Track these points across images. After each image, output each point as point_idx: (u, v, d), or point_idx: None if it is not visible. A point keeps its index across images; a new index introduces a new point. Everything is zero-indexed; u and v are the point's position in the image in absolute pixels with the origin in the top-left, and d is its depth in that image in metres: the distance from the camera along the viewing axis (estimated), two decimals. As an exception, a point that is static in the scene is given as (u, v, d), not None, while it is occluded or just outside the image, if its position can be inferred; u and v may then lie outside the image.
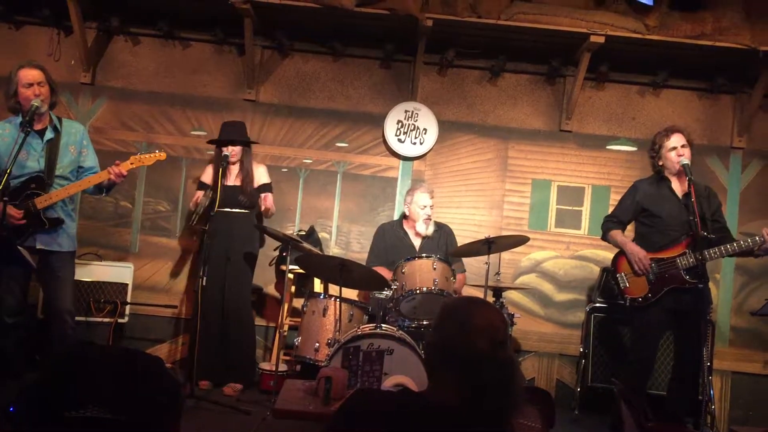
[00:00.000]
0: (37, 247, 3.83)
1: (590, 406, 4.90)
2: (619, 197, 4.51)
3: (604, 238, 4.36)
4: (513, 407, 1.62)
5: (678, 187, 4.17)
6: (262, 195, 4.81)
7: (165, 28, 5.35)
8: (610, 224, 4.31)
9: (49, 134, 3.91)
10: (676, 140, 4.13)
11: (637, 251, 4.08)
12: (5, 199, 3.60)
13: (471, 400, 1.57)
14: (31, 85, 3.81)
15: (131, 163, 3.97)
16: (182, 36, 5.46)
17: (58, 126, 3.96)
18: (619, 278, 4.16)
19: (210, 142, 4.96)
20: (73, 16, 5.09)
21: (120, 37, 5.48)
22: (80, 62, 5.36)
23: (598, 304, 5.05)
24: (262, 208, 4.80)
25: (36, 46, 5.42)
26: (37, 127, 3.85)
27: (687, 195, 4.07)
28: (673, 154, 4.11)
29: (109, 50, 5.49)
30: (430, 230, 4.85)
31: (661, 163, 4.20)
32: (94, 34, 5.43)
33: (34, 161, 3.85)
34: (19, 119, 3.85)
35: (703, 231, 3.93)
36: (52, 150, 3.89)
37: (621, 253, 4.20)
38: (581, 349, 5.03)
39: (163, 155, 4.10)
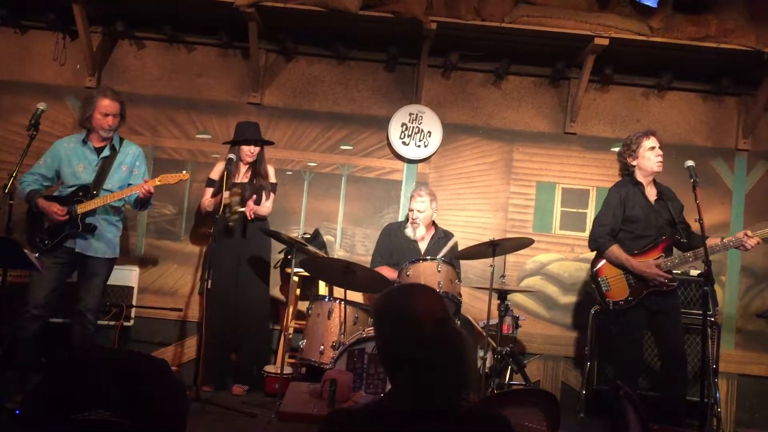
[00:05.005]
0: (76, 250, 4.18)
1: (596, 410, 4.87)
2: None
3: (602, 255, 4.18)
4: (464, 387, 1.59)
5: (649, 191, 4.21)
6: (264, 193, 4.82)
7: (170, 32, 5.37)
8: (606, 240, 4.14)
9: (105, 152, 4.32)
10: (655, 141, 4.19)
11: (643, 268, 4.03)
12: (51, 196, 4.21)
13: (425, 396, 1.55)
14: (107, 115, 4.24)
15: (159, 181, 4.23)
16: (187, 40, 5.48)
17: (117, 146, 4.36)
18: (601, 282, 4.16)
19: (233, 142, 4.77)
20: (78, 20, 5.11)
21: (125, 41, 5.50)
22: (85, 66, 5.39)
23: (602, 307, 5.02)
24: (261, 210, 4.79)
25: (41, 51, 5.45)
26: (98, 144, 4.30)
27: (658, 200, 4.18)
28: (651, 154, 4.15)
29: (114, 54, 5.51)
30: (419, 234, 4.83)
31: (635, 164, 4.20)
32: (99, 39, 5.45)
33: (88, 174, 4.26)
34: (83, 136, 4.33)
35: (676, 235, 4.10)
36: (105, 166, 4.29)
37: (601, 257, 4.18)
38: (586, 352, 5.01)
39: (186, 175, 4.33)
